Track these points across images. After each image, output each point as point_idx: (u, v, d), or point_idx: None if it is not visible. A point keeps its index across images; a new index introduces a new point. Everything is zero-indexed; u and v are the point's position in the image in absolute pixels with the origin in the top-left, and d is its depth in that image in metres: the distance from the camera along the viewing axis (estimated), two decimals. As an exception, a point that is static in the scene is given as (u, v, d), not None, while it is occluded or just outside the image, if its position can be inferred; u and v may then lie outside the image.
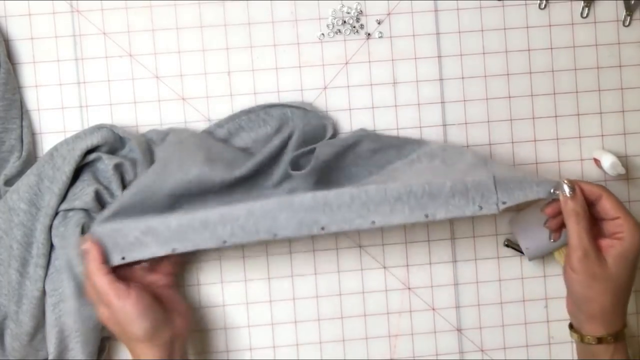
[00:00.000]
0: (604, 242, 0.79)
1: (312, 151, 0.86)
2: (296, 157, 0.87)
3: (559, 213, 0.81)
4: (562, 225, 0.82)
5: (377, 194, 0.79)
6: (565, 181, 0.79)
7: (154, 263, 0.83)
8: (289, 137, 0.87)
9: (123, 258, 0.80)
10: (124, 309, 0.78)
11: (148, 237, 0.79)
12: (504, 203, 0.79)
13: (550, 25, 0.92)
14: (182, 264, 0.87)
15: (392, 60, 0.91)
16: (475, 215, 0.80)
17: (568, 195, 0.79)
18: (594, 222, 0.81)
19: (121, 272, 0.81)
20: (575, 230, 0.78)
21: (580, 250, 0.78)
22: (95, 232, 0.81)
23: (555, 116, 0.92)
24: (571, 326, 0.83)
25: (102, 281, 0.78)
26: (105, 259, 0.80)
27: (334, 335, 0.92)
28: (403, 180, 0.81)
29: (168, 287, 0.84)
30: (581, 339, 0.81)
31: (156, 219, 0.80)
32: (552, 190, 0.80)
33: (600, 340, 0.80)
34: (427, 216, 0.79)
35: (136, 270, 0.83)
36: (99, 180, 0.85)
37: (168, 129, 0.88)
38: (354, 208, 0.79)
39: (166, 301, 0.82)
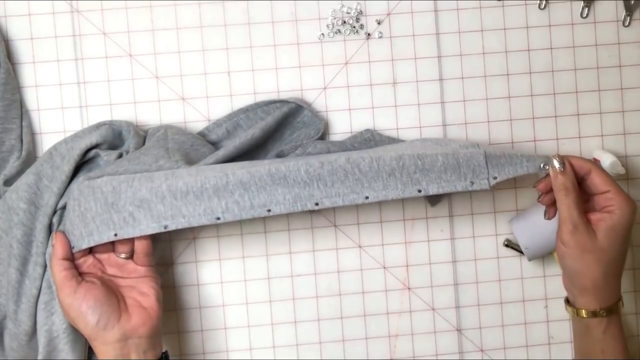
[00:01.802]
0: (594, 216, 0.80)
1: (301, 146, 0.87)
2: (283, 151, 0.87)
3: (551, 189, 0.81)
4: (555, 201, 0.82)
5: (370, 169, 0.79)
6: (555, 156, 0.80)
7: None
8: (272, 129, 0.87)
9: (115, 235, 0.80)
10: (72, 305, 0.78)
11: (141, 213, 0.79)
12: (494, 178, 0.80)
13: (550, 25, 0.92)
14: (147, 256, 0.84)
15: (392, 60, 0.91)
16: (467, 191, 0.81)
17: (557, 170, 0.80)
18: (585, 198, 0.82)
19: (89, 264, 0.82)
20: (565, 203, 0.79)
21: (570, 223, 0.79)
22: (86, 209, 0.81)
23: (555, 116, 0.92)
24: (567, 301, 0.84)
25: (57, 277, 0.80)
26: (67, 254, 0.80)
27: (334, 336, 0.92)
28: (396, 151, 0.82)
29: (138, 285, 0.82)
30: (576, 313, 0.82)
31: (149, 189, 0.79)
32: (541, 166, 0.81)
33: (594, 314, 0.80)
34: (419, 191, 0.80)
35: (109, 262, 0.83)
36: None
37: (165, 125, 0.88)
38: (348, 184, 0.79)
39: (129, 299, 0.81)
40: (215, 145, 0.89)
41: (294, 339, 0.92)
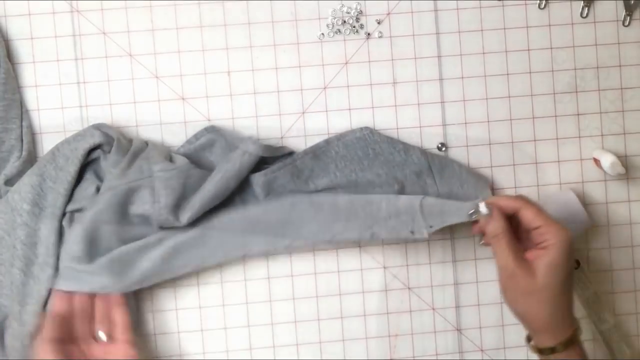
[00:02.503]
0: (531, 254, 0.78)
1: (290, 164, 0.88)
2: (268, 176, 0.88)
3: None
4: None
5: (331, 213, 0.85)
6: (482, 202, 0.80)
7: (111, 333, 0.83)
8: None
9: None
10: None
11: None
12: (431, 227, 0.82)
13: (550, 25, 0.92)
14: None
15: (392, 60, 0.91)
16: (411, 240, 0.84)
17: (485, 216, 0.79)
18: (524, 235, 0.81)
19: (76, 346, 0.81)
20: (498, 250, 0.79)
21: (506, 269, 0.78)
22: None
23: (555, 116, 0.92)
24: (529, 339, 0.82)
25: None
26: (56, 337, 0.79)
27: (334, 336, 0.92)
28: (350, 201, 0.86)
29: None
30: (537, 351, 0.80)
31: None
32: (470, 213, 0.81)
33: (552, 350, 0.78)
34: (372, 235, 0.85)
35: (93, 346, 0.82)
36: (101, 178, 0.85)
37: (149, 142, 0.88)
38: (315, 226, 0.86)
39: None
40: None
41: (294, 339, 0.92)
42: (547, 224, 0.78)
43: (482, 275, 0.93)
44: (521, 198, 0.81)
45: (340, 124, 0.91)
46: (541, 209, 0.79)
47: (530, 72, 0.92)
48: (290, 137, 0.91)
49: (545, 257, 0.77)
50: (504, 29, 0.91)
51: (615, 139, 0.93)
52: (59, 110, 0.89)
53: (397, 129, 0.91)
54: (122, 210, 0.84)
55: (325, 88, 0.91)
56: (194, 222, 0.85)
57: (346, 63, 0.91)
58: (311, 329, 0.92)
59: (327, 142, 0.89)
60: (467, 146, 0.92)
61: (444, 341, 0.93)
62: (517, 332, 0.93)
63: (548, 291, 0.77)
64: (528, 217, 0.79)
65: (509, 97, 0.92)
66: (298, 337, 0.92)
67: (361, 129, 0.90)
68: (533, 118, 0.92)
